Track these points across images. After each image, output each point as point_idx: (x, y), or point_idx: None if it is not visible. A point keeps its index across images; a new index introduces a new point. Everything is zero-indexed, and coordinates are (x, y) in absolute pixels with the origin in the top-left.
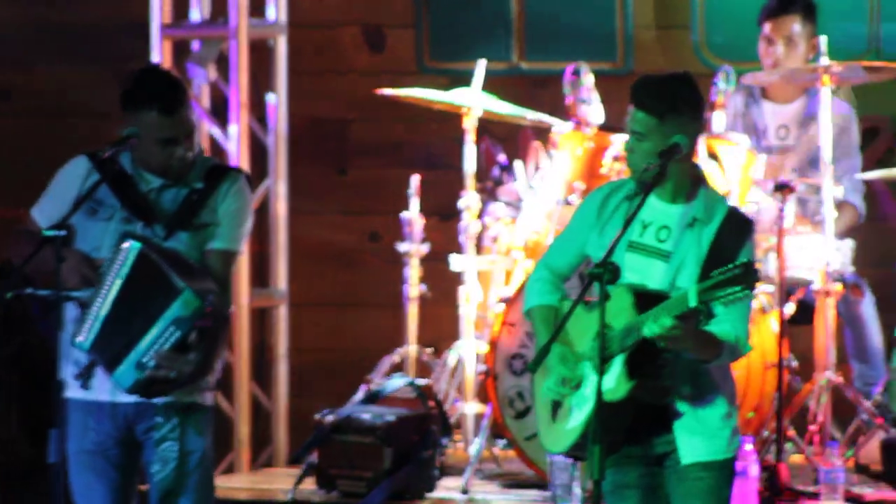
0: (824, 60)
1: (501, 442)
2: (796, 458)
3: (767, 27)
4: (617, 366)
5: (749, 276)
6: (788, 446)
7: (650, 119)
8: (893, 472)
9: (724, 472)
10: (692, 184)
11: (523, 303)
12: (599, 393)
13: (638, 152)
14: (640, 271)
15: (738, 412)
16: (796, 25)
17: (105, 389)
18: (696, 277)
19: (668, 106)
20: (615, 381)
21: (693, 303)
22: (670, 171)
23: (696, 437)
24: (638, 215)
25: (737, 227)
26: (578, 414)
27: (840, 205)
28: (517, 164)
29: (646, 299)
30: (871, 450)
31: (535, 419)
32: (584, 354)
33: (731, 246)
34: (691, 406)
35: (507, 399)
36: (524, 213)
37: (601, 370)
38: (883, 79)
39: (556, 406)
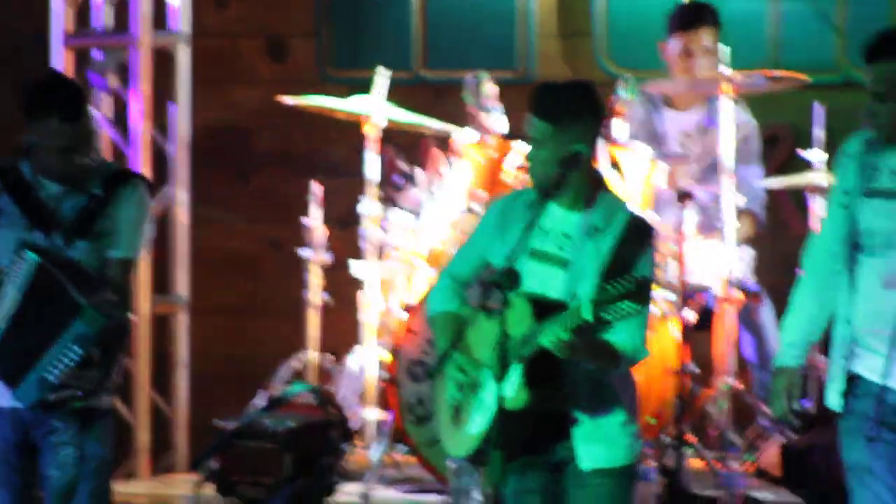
0: (726, 70)
1: (402, 448)
2: (696, 463)
3: (683, 40)
4: (515, 374)
5: (642, 293)
6: (688, 451)
7: (548, 127)
8: (792, 478)
9: (625, 477)
10: (592, 191)
11: (426, 310)
12: (499, 401)
13: (537, 160)
14: (541, 279)
15: (639, 418)
16: (710, 36)
17: (5, 395)
18: (594, 286)
19: (565, 113)
20: (514, 389)
21: (587, 316)
22: (571, 178)
23: (595, 443)
24: (539, 223)
25: (636, 236)
26: (479, 420)
27: (741, 214)
28: (418, 173)
29: (544, 309)
30: (771, 455)
31: (437, 425)
32: (484, 362)
33: (630, 255)
34: (591, 413)
35: (408, 405)
36: (425, 221)
37: (500, 378)
38: (783, 88)
39: (457, 412)
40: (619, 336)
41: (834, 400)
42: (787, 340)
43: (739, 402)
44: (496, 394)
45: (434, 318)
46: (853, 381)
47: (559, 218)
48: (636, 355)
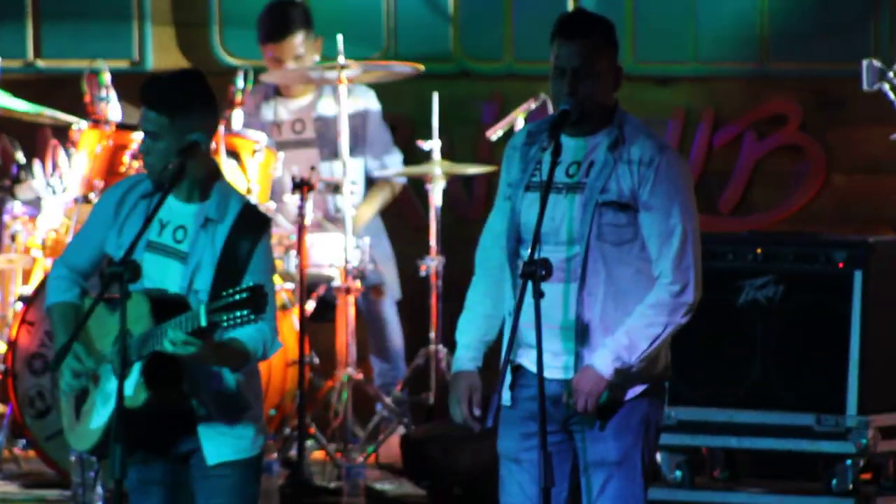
0: (340, 59)
1: (22, 442)
2: (318, 455)
3: (272, 51)
4: (135, 374)
5: (258, 300)
6: (310, 443)
7: (162, 118)
8: (413, 468)
9: (249, 470)
10: (207, 181)
11: (46, 301)
12: (120, 397)
13: (154, 152)
14: (159, 272)
15: (263, 410)
16: (299, 41)
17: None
18: (211, 279)
19: (179, 104)
20: (133, 388)
21: (203, 322)
22: (187, 169)
23: (220, 437)
24: (157, 214)
25: (250, 226)
26: (101, 413)
27: (377, 184)
28: (36, 163)
29: (163, 306)
30: (392, 446)
31: (58, 418)
32: (104, 356)
33: (245, 243)
34: (214, 407)
35: (28, 399)
36: (43, 212)
37: (120, 375)
38: (397, 77)
39: (79, 404)
40: (246, 330)
41: (504, 394)
42: (462, 343)
43: (361, 394)
44: (116, 390)
45: (51, 309)
46: (517, 372)
47: (175, 210)
48: (266, 351)
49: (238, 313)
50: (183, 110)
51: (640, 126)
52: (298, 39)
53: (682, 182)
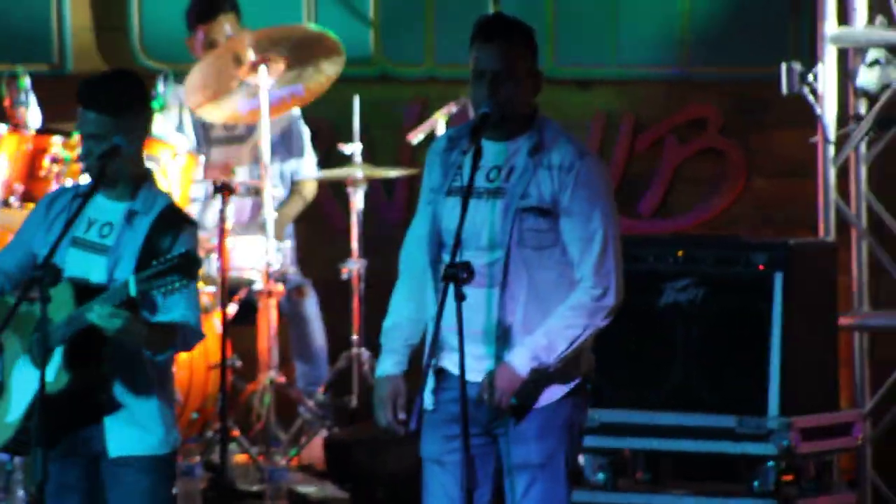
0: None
1: None
2: (241, 458)
3: (203, 31)
4: (57, 357)
5: (188, 266)
6: (233, 446)
7: (106, 119)
8: (337, 471)
9: (161, 469)
10: (137, 181)
11: None
12: (42, 392)
13: (96, 154)
14: (82, 266)
15: (182, 412)
16: (230, 23)
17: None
18: (132, 268)
19: (122, 105)
20: (55, 373)
21: (133, 291)
22: (118, 170)
23: (128, 428)
24: (84, 213)
25: (172, 220)
26: (16, 408)
27: (293, 190)
28: None
29: (86, 292)
30: (315, 448)
31: None
32: (22, 348)
33: (167, 236)
34: (126, 400)
35: None
36: None
37: (40, 362)
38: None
39: None
40: (172, 314)
41: (427, 398)
42: (386, 347)
43: (283, 396)
44: (37, 379)
45: None
46: (440, 375)
47: (104, 207)
48: (192, 332)
49: (169, 278)
50: (126, 110)
51: (560, 131)
52: (230, 20)
53: (603, 187)
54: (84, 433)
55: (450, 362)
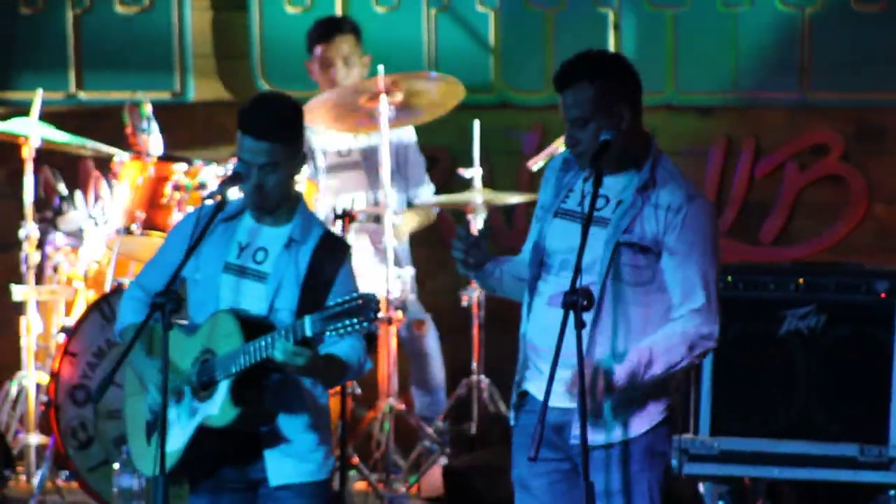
0: (380, 83)
1: (65, 473)
2: (361, 486)
3: (320, 50)
4: (222, 392)
5: (369, 309)
6: (353, 473)
7: (279, 147)
8: (455, 498)
9: (318, 494)
10: (292, 206)
11: (117, 322)
12: (202, 418)
13: (272, 182)
14: (234, 293)
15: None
16: (349, 45)
17: None
18: (296, 298)
19: (293, 131)
20: (220, 407)
21: (309, 332)
22: (279, 194)
23: (287, 459)
24: (234, 237)
25: (334, 249)
26: (179, 436)
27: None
28: (78, 195)
29: (251, 325)
30: (434, 476)
31: (103, 448)
32: (182, 377)
33: (330, 266)
34: (284, 430)
35: (70, 430)
36: (85, 243)
37: (203, 395)
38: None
39: (150, 428)
40: (341, 346)
41: (510, 414)
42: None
43: (403, 424)
44: (198, 411)
45: (125, 330)
46: (523, 397)
47: (256, 232)
48: (362, 367)
49: (348, 321)
50: (295, 137)
51: (673, 171)
52: (348, 41)
53: (709, 231)
54: (242, 464)
55: (532, 384)
